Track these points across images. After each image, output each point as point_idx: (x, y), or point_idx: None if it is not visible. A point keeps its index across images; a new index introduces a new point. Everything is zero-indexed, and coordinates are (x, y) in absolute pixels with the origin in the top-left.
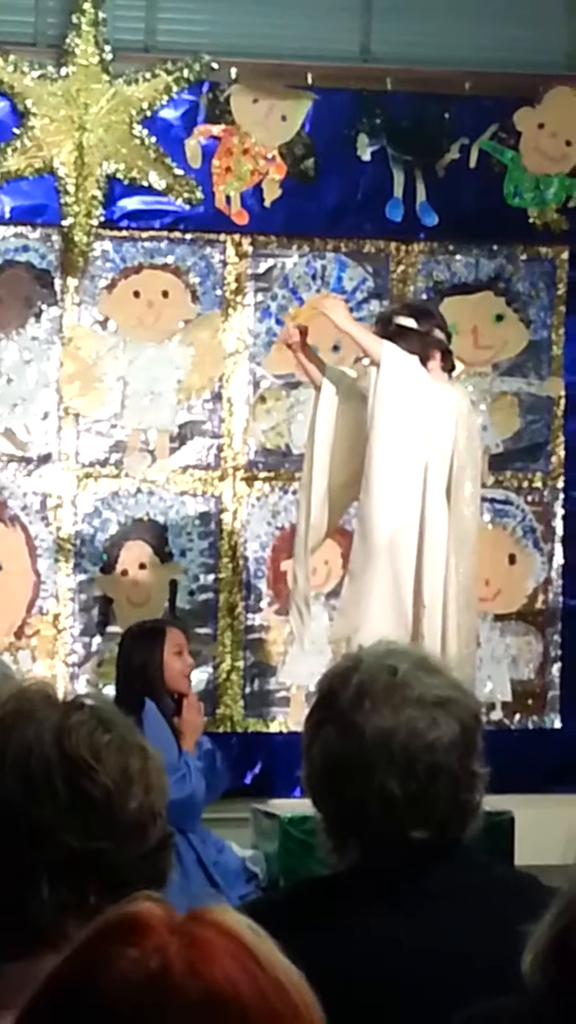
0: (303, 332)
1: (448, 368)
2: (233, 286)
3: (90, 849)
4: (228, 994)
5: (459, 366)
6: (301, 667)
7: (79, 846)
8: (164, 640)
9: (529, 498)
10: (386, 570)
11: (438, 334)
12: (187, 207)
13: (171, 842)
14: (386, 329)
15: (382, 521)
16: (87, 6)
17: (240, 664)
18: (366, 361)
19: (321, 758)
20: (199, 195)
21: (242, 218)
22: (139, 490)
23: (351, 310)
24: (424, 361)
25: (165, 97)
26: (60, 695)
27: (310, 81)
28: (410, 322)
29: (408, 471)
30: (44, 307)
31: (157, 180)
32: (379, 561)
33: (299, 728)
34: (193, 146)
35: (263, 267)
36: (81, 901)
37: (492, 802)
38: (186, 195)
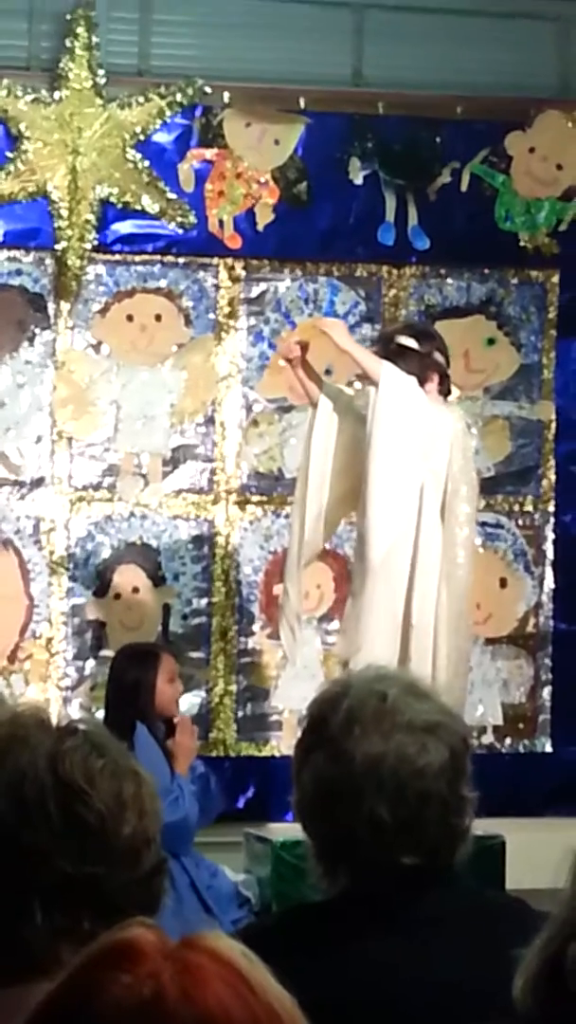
0: (304, 347)
1: (445, 391)
2: (226, 310)
3: (84, 874)
4: (221, 1020)
5: (455, 391)
6: (294, 691)
7: (73, 871)
8: (158, 664)
9: (520, 522)
10: (382, 590)
11: (438, 356)
12: (180, 231)
13: (165, 867)
14: (386, 348)
15: (378, 541)
16: (80, 30)
17: (233, 688)
18: (358, 385)
19: (311, 784)
20: (192, 219)
21: (235, 242)
22: (132, 514)
23: None
24: (421, 383)
25: (158, 121)
26: (54, 720)
27: (303, 105)
28: (411, 342)
29: (404, 492)
30: (37, 331)
31: (150, 204)
32: (375, 581)
33: (291, 752)
34: (186, 170)
35: (256, 291)
36: (75, 926)
37: (483, 826)
38: (179, 219)
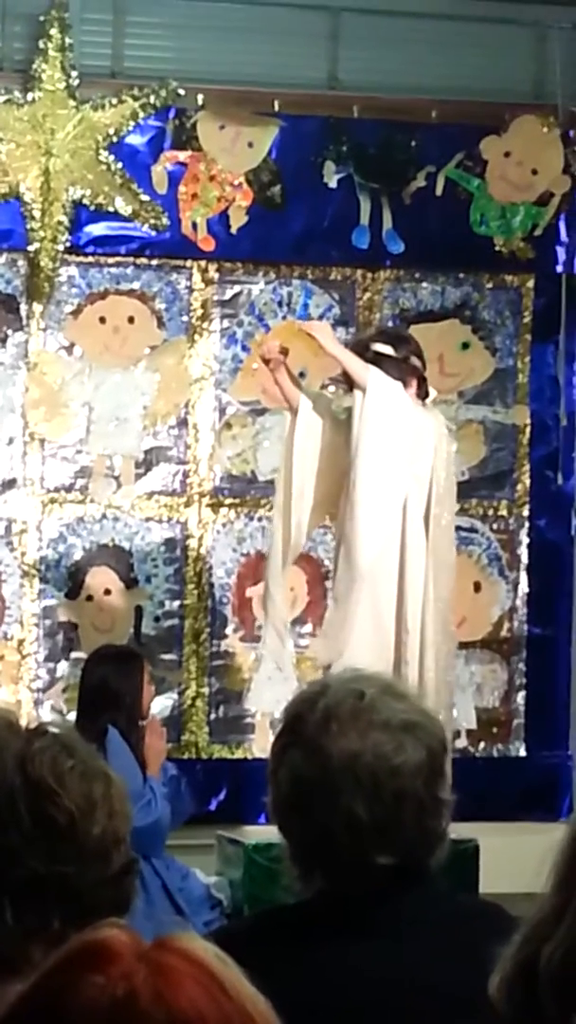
0: (284, 352)
1: (423, 395)
2: (199, 312)
3: (54, 874)
4: (194, 1021)
5: (432, 393)
6: (266, 693)
7: (43, 871)
8: (143, 669)
9: (494, 526)
10: (368, 595)
11: (414, 361)
12: (153, 233)
13: (135, 867)
14: (363, 356)
15: (366, 545)
16: (54, 32)
17: (205, 690)
18: (332, 389)
19: (287, 782)
20: (165, 221)
21: (208, 244)
22: (104, 516)
23: None
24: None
25: (131, 123)
26: (23, 722)
27: (277, 108)
28: (387, 349)
29: (391, 496)
30: (9, 332)
31: (123, 206)
32: (362, 586)
33: (264, 755)
34: (159, 172)
35: (229, 293)
36: (45, 926)
37: (457, 830)
38: (152, 221)
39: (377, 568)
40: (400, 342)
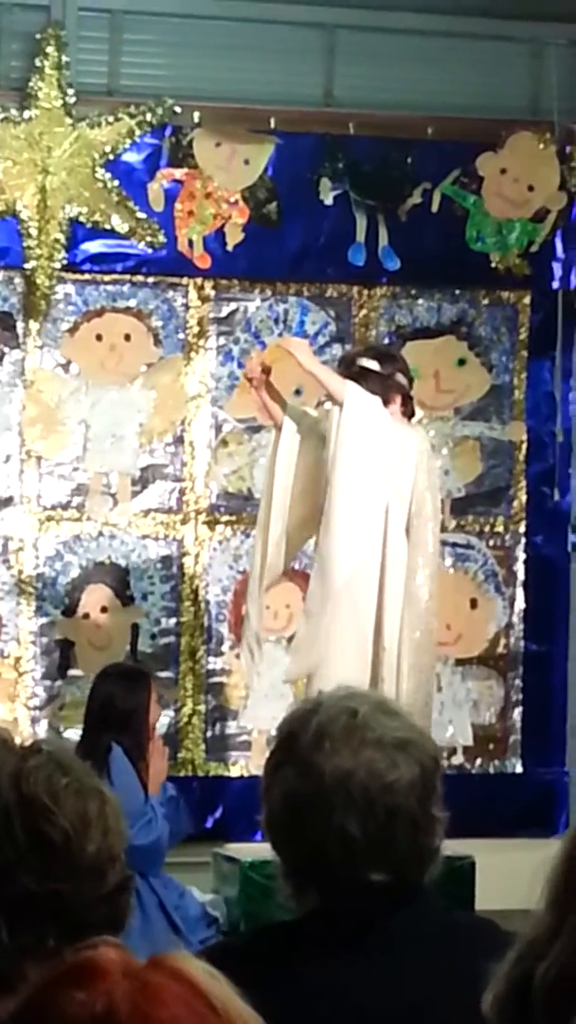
0: (266, 371)
1: (408, 413)
2: (195, 330)
3: (48, 891)
4: None
5: (419, 412)
6: (262, 711)
7: (37, 888)
8: (151, 688)
9: (491, 542)
10: (346, 611)
11: (400, 378)
12: (149, 251)
13: (130, 884)
14: (349, 371)
15: (341, 561)
16: (50, 49)
17: (201, 708)
18: (328, 405)
19: (280, 800)
20: (161, 239)
21: (204, 262)
22: (101, 533)
23: (313, 354)
24: (384, 404)
25: (128, 141)
26: (19, 740)
27: (273, 125)
28: (373, 364)
29: (369, 512)
30: (6, 350)
31: (120, 223)
32: (338, 602)
33: (260, 772)
34: (156, 190)
35: (225, 311)
36: (39, 944)
37: (453, 847)
38: (148, 238)
39: (356, 584)
40: (386, 359)
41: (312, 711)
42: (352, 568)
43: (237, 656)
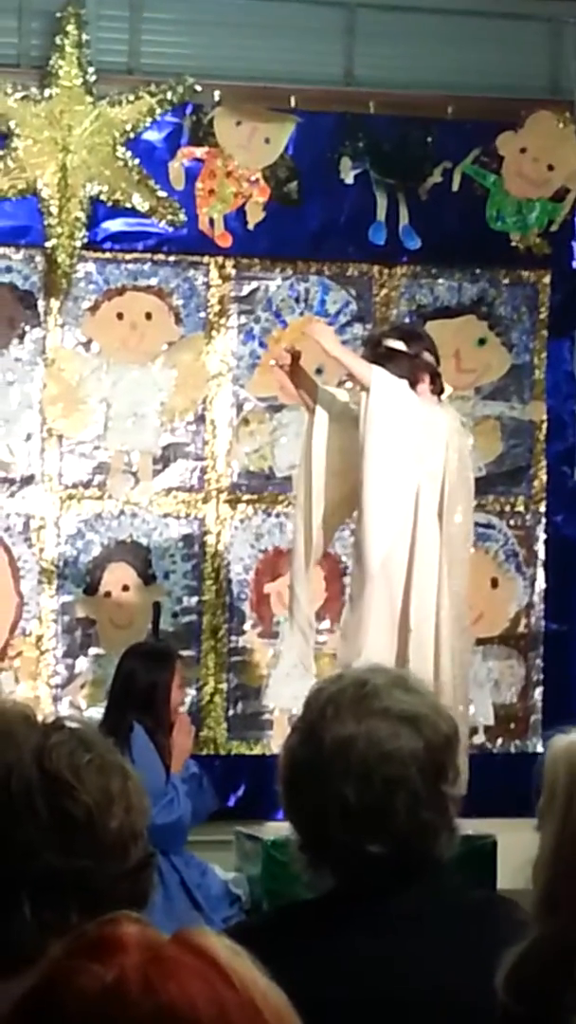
0: (295, 356)
1: (437, 391)
2: (216, 308)
3: (71, 868)
4: (182, 1011)
5: (448, 389)
6: (285, 689)
7: (60, 865)
8: (175, 667)
9: (511, 522)
10: (381, 594)
11: (427, 357)
12: (170, 229)
13: (152, 861)
14: (375, 351)
15: (375, 545)
16: (71, 28)
17: (223, 686)
18: (348, 385)
19: (285, 767)
20: (182, 217)
21: (225, 240)
22: (122, 512)
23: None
24: (413, 384)
25: (148, 119)
26: (40, 717)
27: (293, 104)
28: (399, 344)
29: (400, 495)
30: (27, 328)
31: (140, 202)
32: (374, 585)
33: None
34: (176, 168)
35: (246, 289)
36: (63, 921)
37: (475, 826)
38: (169, 217)
39: (389, 567)
40: (413, 338)
41: (331, 682)
42: (385, 552)
43: (260, 635)
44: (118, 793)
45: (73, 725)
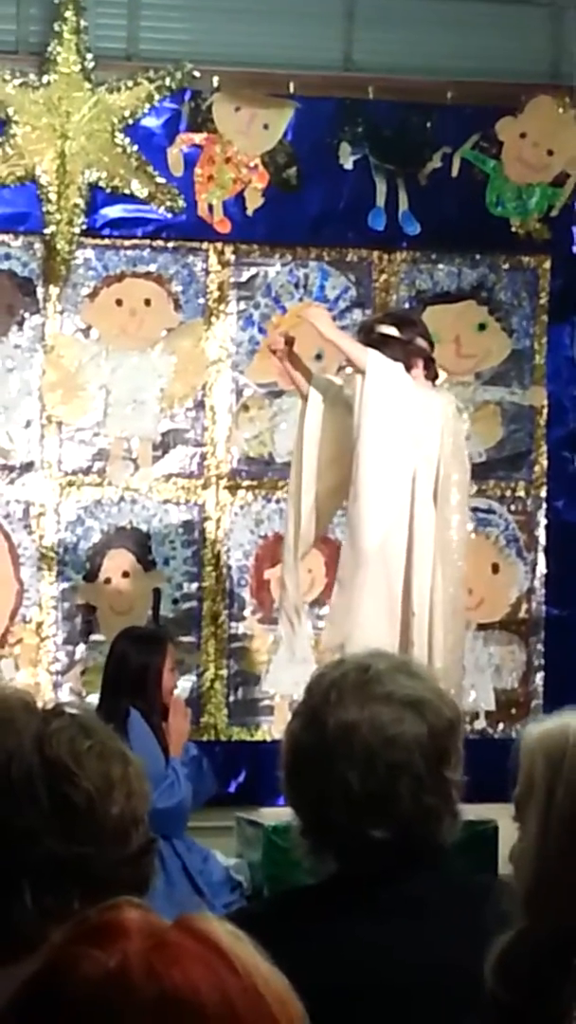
0: (289, 341)
1: (431, 376)
2: (215, 294)
3: (72, 854)
4: (185, 996)
5: (442, 375)
6: (285, 676)
7: (62, 851)
8: (165, 651)
9: (512, 507)
10: (377, 578)
11: (420, 342)
12: (169, 215)
13: (153, 847)
14: (368, 338)
15: (371, 529)
16: (69, 14)
17: (224, 672)
18: (349, 370)
19: (288, 752)
20: (181, 203)
21: (224, 226)
22: (122, 498)
23: (334, 319)
24: (407, 369)
25: (147, 105)
26: (40, 703)
27: (292, 90)
28: (392, 330)
29: (396, 479)
30: (26, 315)
31: (139, 188)
32: (369, 569)
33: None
34: (175, 154)
35: (246, 275)
36: (64, 907)
37: (476, 811)
38: (168, 203)
39: (386, 550)
40: (406, 324)
41: (332, 667)
42: (382, 536)
43: (260, 621)
44: (119, 779)
45: (73, 711)
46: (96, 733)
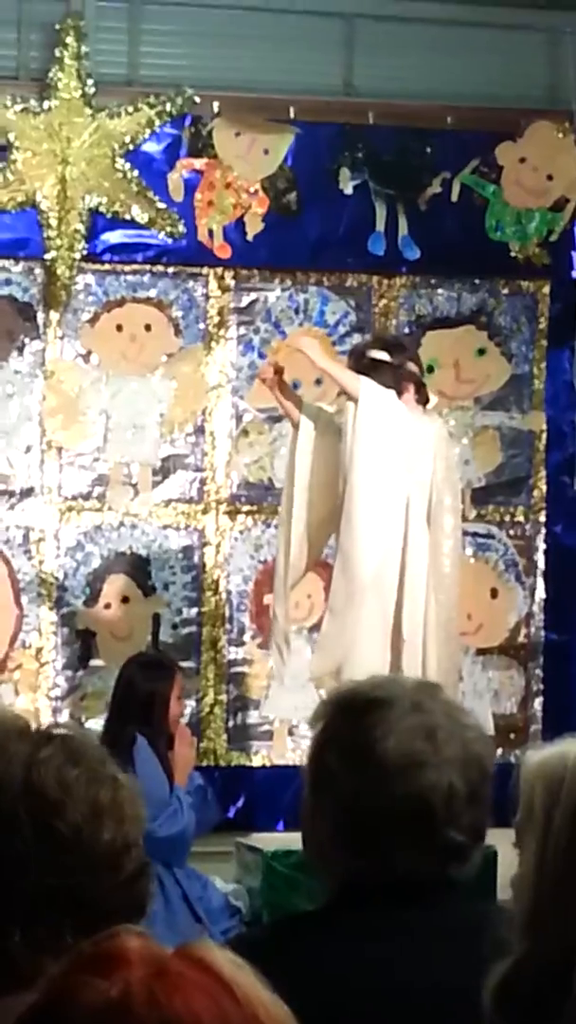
0: (278, 371)
1: (423, 400)
2: (216, 320)
3: (63, 884)
4: None
5: (433, 399)
6: (284, 701)
7: (51, 881)
8: (174, 679)
9: (511, 532)
10: (373, 605)
11: (411, 367)
12: (170, 241)
13: (148, 871)
14: (359, 363)
15: (365, 556)
16: (70, 40)
17: (223, 698)
18: (344, 399)
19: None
20: (181, 228)
21: (225, 252)
22: (122, 523)
23: (333, 344)
24: (398, 394)
25: (147, 131)
26: (35, 727)
27: (292, 115)
28: (383, 355)
29: (389, 505)
30: (27, 340)
31: (140, 213)
32: (363, 597)
33: (282, 762)
34: (175, 179)
35: (245, 301)
36: (57, 938)
37: None
38: (168, 228)
39: (381, 577)
40: (396, 348)
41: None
42: (376, 564)
43: (259, 646)
44: (108, 805)
45: (64, 733)
46: (85, 759)
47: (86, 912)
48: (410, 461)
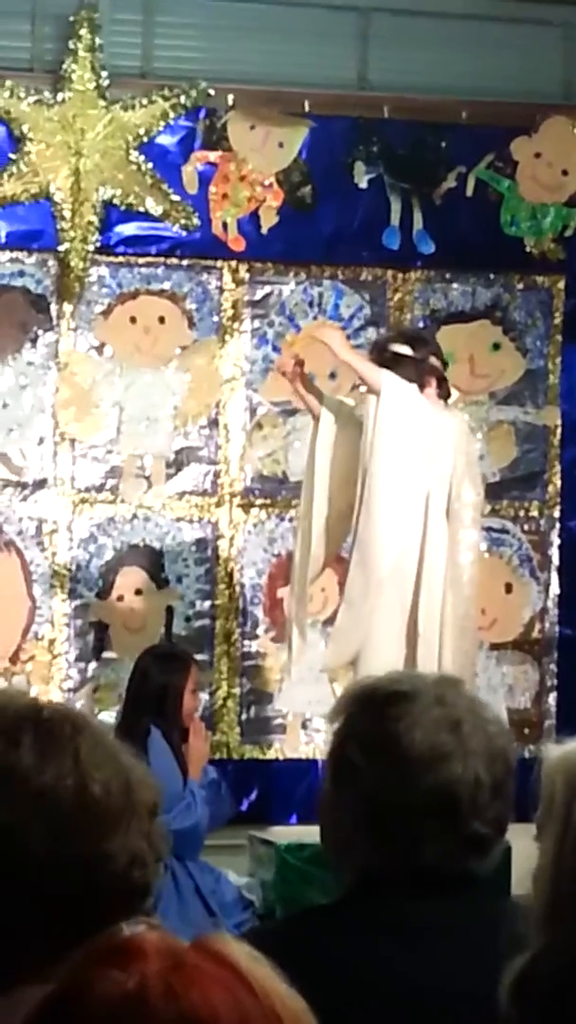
0: (299, 363)
1: (444, 395)
2: (230, 312)
3: (60, 862)
4: (204, 1017)
5: (455, 393)
6: (298, 694)
7: (51, 876)
8: (188, 672)
9: (525, 527)
10: (390, 598)
11: (433, 361)
12: (184, 233)
13: (144, 855)
14: (381, 357)
15: (384, 549)
16: (84, 32)
17: (236, 691)
18: (363, 389)
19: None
20: (196, 221)
21: (239, 244)
22: (135, 516)
23: (348, 338)
24: (420, 388)
25: (162, 123)
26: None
27: (307, 108)
28: (405, 349)
29: (410, 499)
30: (40, 332)
31: (154, 206)
32: (380, 589)
33: (296, 755)
34: (190, 172)
35: (260, 294)
36: (63, 931)
37: None
38: (183, 221)
39: (400, 571)
40: (418, 343)
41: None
42: (395, 557)
43: (272, 639)
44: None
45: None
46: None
47: (89, 902)
48: (431, 455)
